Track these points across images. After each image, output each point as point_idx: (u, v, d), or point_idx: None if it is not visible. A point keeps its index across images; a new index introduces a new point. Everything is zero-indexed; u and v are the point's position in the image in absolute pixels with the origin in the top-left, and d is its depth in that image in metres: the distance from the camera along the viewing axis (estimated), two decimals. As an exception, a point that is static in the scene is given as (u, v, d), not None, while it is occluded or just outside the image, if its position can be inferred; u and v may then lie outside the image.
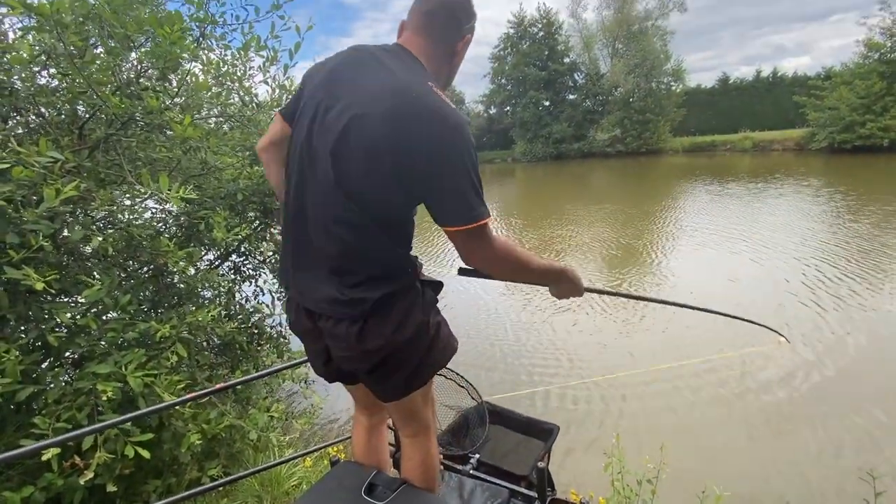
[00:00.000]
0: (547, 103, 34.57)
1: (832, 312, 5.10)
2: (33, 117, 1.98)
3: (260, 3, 2.21)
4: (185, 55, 1.84)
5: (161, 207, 2.28)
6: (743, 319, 1.77)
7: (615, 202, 13.58)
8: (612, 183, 20.06)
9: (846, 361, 4.20)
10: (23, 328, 1.69)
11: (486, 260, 1.08)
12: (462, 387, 2.43)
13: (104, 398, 1.61)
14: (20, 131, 1.88)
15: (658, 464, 2.13)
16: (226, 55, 2.19)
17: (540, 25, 34.60)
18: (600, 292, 1.56)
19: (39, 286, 1.45)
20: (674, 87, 32.02)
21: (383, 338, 1.09)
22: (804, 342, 4.51)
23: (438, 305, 1.29)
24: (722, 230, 8.99)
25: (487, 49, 37.51)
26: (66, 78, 1.77)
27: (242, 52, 2.20)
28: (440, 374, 2.29)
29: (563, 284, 1.28)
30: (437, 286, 1.27)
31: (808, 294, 5.61)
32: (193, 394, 1.52)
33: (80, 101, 1.81)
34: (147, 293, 2.12)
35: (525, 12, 35.01)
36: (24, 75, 1.86)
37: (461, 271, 1.26)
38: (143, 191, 1.60)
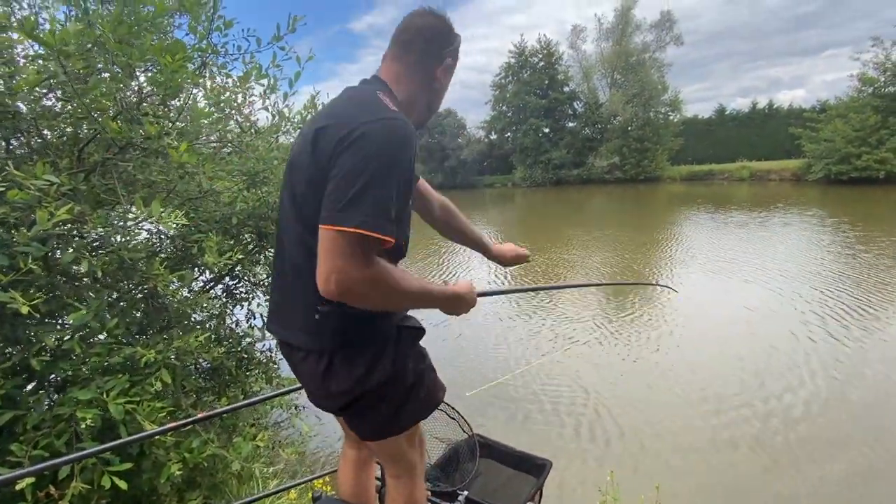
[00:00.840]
0: (547, 130, 35.20)
1: (856, 343, 5.01)
2: (36, 139, 2.01)
3: (264, 31, 2.28)
4: (186, 83, 1.87)
5: (156, 230, 2.28)
6: (631, 283, 1.71)
7: (619, 228, 13.65)
8: (613, 209, 20.19)
9: (872, 394, 4.10)
10: (7, 351, 1.67)
11: (348, 281, 0.85)
12: (453, 418, 2.37)
13: (82, 426, 1.57)
14: (20, 152, 1.90)
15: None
16: (226, 83, 2.23)
17: (540, 56, 35.55)
18: (491, 293, 1.53)
19: (25, 310, 1.44)
20: (671, 117, 32.69)
21: (350, 381, 1.04)
22: (825, 371, 4.40)
23: (424, 350, 1.25)
24: (733, 258, 8.91)
25: (489, 77, 38.48)
26: (69, 102, 1.81)
27: (242, 81, 2.25)
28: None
29: (458, 309, 1.16)
30: (418, 332, 1.22)
31: (833, 325, 5.50)
32: (174, 423, 1.48)
33: (82, 125, 1.84)
34: (137, 316, 2.10)
35: (526, 43, 36.05)
36: (31, 98, 1.90)
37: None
38: (135, 214, 1.61)
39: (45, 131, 1.98)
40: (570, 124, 35.78)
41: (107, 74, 1.77)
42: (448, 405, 2.30)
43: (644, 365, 4.67)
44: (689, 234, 12.19)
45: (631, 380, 4.39)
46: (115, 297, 2.00)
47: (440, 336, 5.67)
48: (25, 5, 2.05)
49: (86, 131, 1.84)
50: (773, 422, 3.69)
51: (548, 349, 5.12)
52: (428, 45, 1.13)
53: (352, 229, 0.82)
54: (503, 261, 1.60)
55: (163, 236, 2.33)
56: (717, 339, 5.17)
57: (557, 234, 13.39)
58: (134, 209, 1.64)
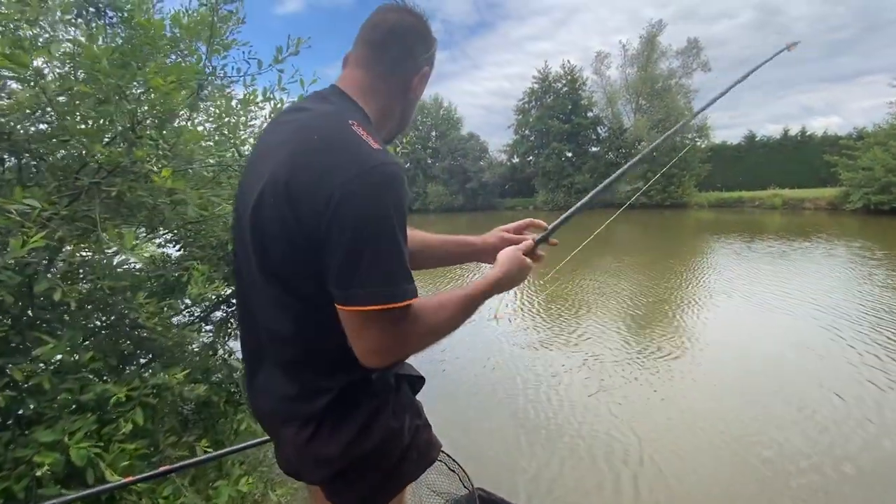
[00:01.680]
0: (570, 154, 35.14)
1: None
2: (33, 162, 1.96)
3: (271, 52, 2.22)
4: (181, 109, 1.80)
5: (149, 258, 2.20)
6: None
7: (647, 254, 13.09)
8: (639, 235, 19.62)
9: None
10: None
11: (390, 356, 0.82)
12: (452, 470, 2.17)
13: (38, 472, 1.44)
14: (8, 177, 1.85)
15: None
16: (225, 106, 2.17)
17: (564, 81, 35.80)
18: (548, 234, 1.25)
19: (-20, 346, 1.33)
20: (699, 143, 32.13)
21: (339, 447, 0.89)
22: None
23: (420, 404, 1.09)
24: (776, 290, 8.15)
25: (513, 101, 38.92)
26: (56, 125, 1.75)
27: (243, 104, 2.18)
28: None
29: (517, 282, 1.07)
30: (418, 381, 1.08)
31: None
32: (132, 478, 1.34)
33: (68, 149, 1.78)
34: (118, 348, 1.99)
35: (550, 69, 36.39)
36: (26, 121, 1.86)
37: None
38: (107, 243, 1.51)
39: (43, 152, 1.94)
40: (594, 149, 35.65)
41: (100, 96, 1.70)
42: (448, 456, 2.10)
43: (687, 411, 4.19)
44: (724, 262, 11.42)
45: (674, 426, 3.95)
46: (94, 328, 1.90)
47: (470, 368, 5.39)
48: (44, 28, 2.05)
49: (74, 155, 1.78)
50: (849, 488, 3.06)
51: (578, 389, 4.72)
52: (403, 50, 0.94)
53: (376, 307, 0.75)
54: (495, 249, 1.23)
55: (156, 263, 2.24)
56: (768, 382, 4.64)
57: (581, 259, 13.00)
58: (106, 237, 1.53)
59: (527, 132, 37.32)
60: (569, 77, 35.64)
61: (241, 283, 0.95)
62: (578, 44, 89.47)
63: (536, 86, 36.66)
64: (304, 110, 0.89)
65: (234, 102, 2.14)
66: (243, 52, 2.02)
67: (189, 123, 2.15)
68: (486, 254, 1.23)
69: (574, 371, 5.08)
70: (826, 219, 20.72)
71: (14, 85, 1.87)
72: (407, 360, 1.09)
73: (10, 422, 1.70)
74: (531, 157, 37.48)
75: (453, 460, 2.12)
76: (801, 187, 27.91)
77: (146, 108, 1.82)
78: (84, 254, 1.74)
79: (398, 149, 3.14)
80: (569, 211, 1.29)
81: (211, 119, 2.23)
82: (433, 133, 41.58)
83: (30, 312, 1.84)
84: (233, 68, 2.05)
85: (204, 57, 1.94)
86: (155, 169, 1.54)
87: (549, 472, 3.34)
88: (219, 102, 2.10)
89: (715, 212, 27.32)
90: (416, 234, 1.21)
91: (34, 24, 1.86)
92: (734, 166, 32.69)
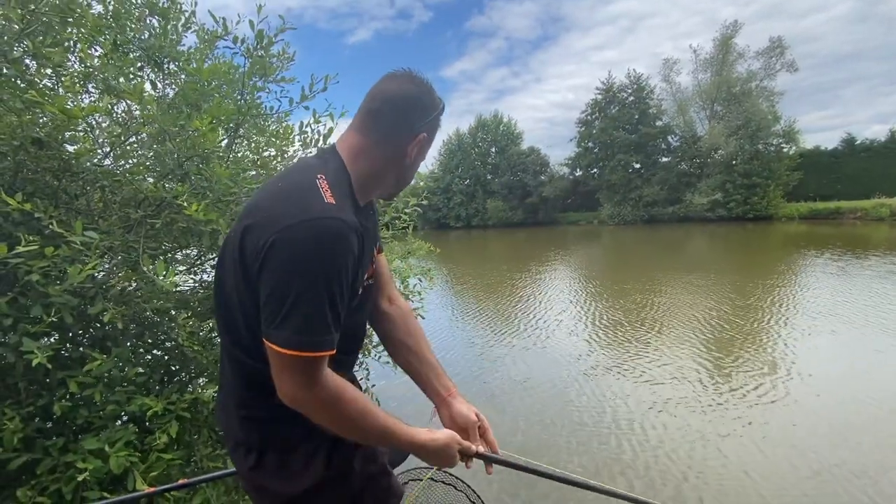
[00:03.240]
0: (637, 165, 33.58)
1: None
2: (96, 197, 2.24)
3: (301, 87, 2.37)
4: (215, 145, 1.98)
5: (198, 280, 2.41)
6: None
7: (724, 273, 11.88)
8: (716, 249, 18.05)
9: None
10: (35, 396, 1.80)
11: (300, 401, 0.84)
12: (460, 490, 2.12)
13: (79, 477, 1.61)
14: (79, 208, 2.12)
15: None
16: (265, 141, 2.35)
17: (630, 90, 34.45)
18: (491, 459, 1.10)
19: (36, 361, 1.53)
20: (786, 149, 29.28)
21: (276, 481, 0.93)
22: None
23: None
24: (889, 317, 6.79)
25: (576, 113, 38.05)
26: (114, 164, 2.00)
27: (279, 139, 2.34)
28: (449, 484, 2.03)
29: (430, 461, 1.02)
30: None
31: None
32: (153, 489, 1.45)
33: (125, 184, 2.01)
34: (164, 365, 2.19)
35: (614, 79, 35.23)
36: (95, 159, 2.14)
37: None
38: (150, 272, 1.68)
39: (108, 191, 2.22)
40: (664, 159, 33.75)
41: (144, 136, 1.92)
42: (469, 486, 2.05)
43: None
44: (817, 283, 9.81)
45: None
46: (142, 345, 2.11)
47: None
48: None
49: (127, 192, 2.01)
50: None
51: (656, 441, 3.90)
52: (399, 118, 0.96)
53: (287, 352, 0.79)
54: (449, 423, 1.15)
55: (203, 286, 2.45)
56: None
57: (651, 275, 12.13)
58: (143, 265, 1.71)
59: (590, 144, 36.26)
60: (635, 86, 34.26)
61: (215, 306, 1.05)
62: (647, 51, 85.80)
63: (600, 96, 35.64)
64: (300, 162, 1.00)
65: (270, 136, 2.31)
66: (290, 88, 2.18)
67: (231, 156, 2.34)
68: (448, 414, 1.15)
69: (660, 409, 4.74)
70: (949, 231, 17.80)
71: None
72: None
73: (61, 432, 1.93)
74: (595, 170, 36.27)
75: (461, 480, 2.06)
76: (915, 195, 24.35)
77: (188, 147, 2.01)
78: (134, 280, 1.94)
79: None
80: (534, 466, 1.14)
81: (251, 150, 2.41)
82: (493, 149, 41.73)
83: (90, 331, 2.09)
84: (266, 106, 2.22)
85: (239, 98, 2.12)
86: (185, 204, 1.69)
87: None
88: (254, 137, 2.28)
89: (808, 224, 24.55)
90: (418, 335, 1.20)
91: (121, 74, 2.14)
92: (830, 173, 29.28)
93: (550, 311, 8.50)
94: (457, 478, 1.99)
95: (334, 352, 0.83)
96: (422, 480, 1.83)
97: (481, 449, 1.09)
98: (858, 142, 29.35)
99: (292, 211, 0.80)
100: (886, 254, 12.75)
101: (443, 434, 1.01)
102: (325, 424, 0.88)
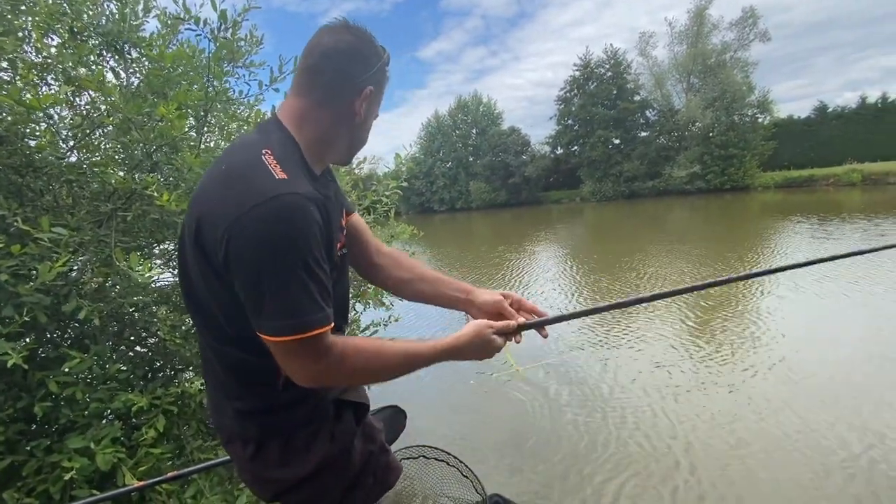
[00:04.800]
0: (617, 141, 33.74)
1: None
2: (64, 192, 2.16)
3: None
4: (181, 133, 1.92)
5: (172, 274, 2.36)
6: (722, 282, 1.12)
7: (707, 243, 12.07)
8: (697, 221, 18.37)
9: None
10: (10, 399, 1.76)
11: (316, 380, 0.84)
12: (466, 476, 2.16)
13: (66, 476, 1.59)
14: (46, 206, 2.05)
15: None
16: (233, 127, 2.28)
17: (607, 66, 34.37)
18: (536, 324, 1.09)
19: (11, 362, 1.49)
20: (760, 120, 29.72)
21: (277, 469, 0.92)
22: None
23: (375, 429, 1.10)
24: (858, 278, 6.95)
25: (555, 91, 37.89)
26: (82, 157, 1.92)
27: (249, 128, 2.28)
28: (441, 460, 2.07)
29: (471, 357, 1.00)
30: (360, 407, 1.06)
31: None
32: (142, 483, 1.45)
33: (91, 177, 1.95)
34: (147, 360, 2.16)
35: (592, 55, 35.07)
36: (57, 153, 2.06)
37: None
38: (119, 265, 1.64)
39: (75, 185, 2.14)
40: (643, 134, 33.97)
41: (109, 127, 1.85)
42: (461, 461, 2.09)
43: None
44: (798, 245, 10.17)
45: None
46: (124, 341, 2.07)
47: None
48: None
49: (95, 186, 1.94)
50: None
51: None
52: (340, 73, 0.88)
53: (282, 339, 0.77)
54: (484, 308, 1.14)
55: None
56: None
57: (633, 248, 12.31)
58: (115, 259, 1.67)
59: (570, 121, 36.22)
60: (612, 61, 34.18)
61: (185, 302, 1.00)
62: (624, 25, 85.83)
63: (578, 73, 35.48)
64: (232, 145, 0.93)
65: (235, 125, 2.25)
66: (260, 73, 2.12)
67: (202, 144, 2.28)
68: (476, 308, 1.14)
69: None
70: (917, 193, 18.41)
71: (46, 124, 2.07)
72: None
73: (44, 433, 1.90)
74: (576, 147, 36.34)
75: (467, 466, 2.11)
76: (884, 160, 25.04)
77: (154, 136, 1.95)
78: (110, 276, 1.90)
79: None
80: (580, 310, 1.17)
81: (223, 137, 2.35)
82: (473, 131, 41.43)
83: (68, 330, 2.05)
84: (235, 91, 2.15)
85: (206, 83, 2.05)
86: (156, 194, 1.64)
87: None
88: (224, 122, 2.21)
89: (783, 192, 25.12)
90: (416, 265, 1.20)
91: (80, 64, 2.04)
92: (804, 142, 29.84)
93: (544, 284, 8.61)
94: (448, 453, 2.03)
95: (332, 325, 0.81)
96: (416, 458, 1.86)
97: (521, 320, 1.08)
98: (830, 109, 29.94)
99: (242, 197, 0.75)
100: (865, 218, 12.99)
101: (468, 327, 0.99)
102: (351, 384, 0.88)
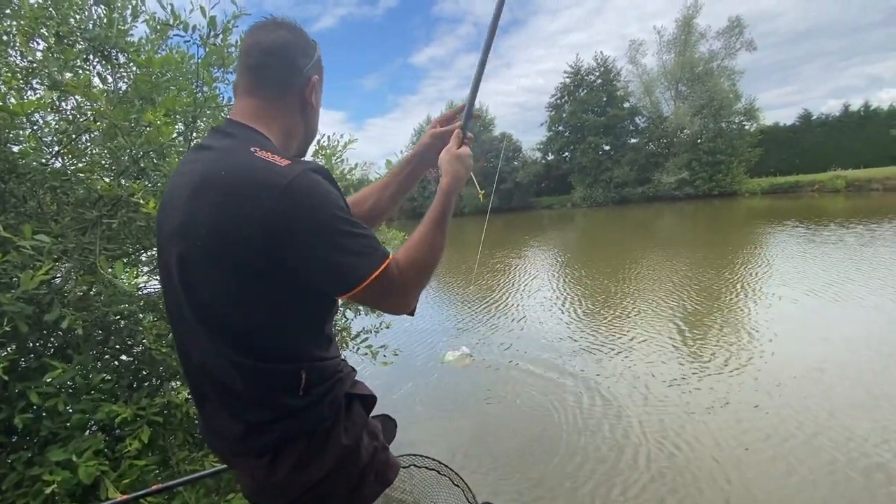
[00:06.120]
0: (607, 147, 34.11)
1: None
2: (48, 199, 2.12)
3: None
4: (169, 139, 1.90)
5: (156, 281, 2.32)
6: None
7: (694, 248, 12.27)
8: (685, 227, 18.60)
9: None
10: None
11: (408, 303, 0.94)
12: (457, 485, 2.14)
13: (47, 490, 1.55)
14: (29, 212, 2.01)
15: None
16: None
17: (597, 73, 34.79)
18: None
19: (-9, 374, 1.45)
20: (747, 127, 30.25)
21: (296, 474, 0.91)
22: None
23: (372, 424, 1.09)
24: (848, 281, 7.11)
25: (546, 98, 38.23)
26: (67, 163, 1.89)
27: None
28: (433, 469, 2.05)
29: (459, 181, 1.12)
30: (369, 400, 1.07)
31: None
32: (125, 496, 1.41)
33: (76, 183, 1.92)
34: (133, 370, 2.12)
35: (582, 62, 35.47)
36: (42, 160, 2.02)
37: None
38: (104, 273, 1.61)
39: (59, 192, 2.10)
40: (633, 140, 34.39)
41: (96, 133, 1.83)
42: (452, 470, 2.08)
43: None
44: (783, 252, 10.37)
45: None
46: (109, 351, 2.03)
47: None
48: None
49: (80, 192, 1.91)
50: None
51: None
52: (286, 67, 0.93)
53: (363, 285, 0.83)
54: (433, 147, 1.29)
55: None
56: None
57: (625, 254, 12.41)
58: (100, 267, 1.64)
59: (561, 128, 36.54)
60: (602, 69, 34.61)
61: (174, 327, 0.96)
62: (615, 32, 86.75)
63: (568, 80, 35.86)
64: (208, 149, 0.89)
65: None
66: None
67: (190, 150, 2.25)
68: (428, 155, 1.29)
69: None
70: (898, 199, 18.81)
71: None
72: (358, 379, 1.10)
73: (25, 445, 1.85)
74: (566, 154, 36.64)
75: (457, 474, 2.09)
76: (867, 167, 25.61)
77: (141, 142, 1.92)
78: (94, 284, 1.86)
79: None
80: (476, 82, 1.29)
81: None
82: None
83: (51, 340, 2.00)
84: (224, 97, 2.14)
85: (196, 88, 2.03)
86: (142, 201, 1.62)
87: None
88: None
89: (769, 199, 25.52)
90: (365, 192, 1.31)
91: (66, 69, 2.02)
92: (789, 149, 30.49)
93: (536, 296, 8.63)
94: (439, 462, 2.02)
95: (391, 256, 0.88)
96: (406, 468, 1.84)
97: (458, 123, 1.26)
98: (815, 117, 30.62)
99: (262, 191, 0.78)
100: (849, 224, 13.12)
101: (443, 164, 1.12)
102: (426, 280, 0.95)
